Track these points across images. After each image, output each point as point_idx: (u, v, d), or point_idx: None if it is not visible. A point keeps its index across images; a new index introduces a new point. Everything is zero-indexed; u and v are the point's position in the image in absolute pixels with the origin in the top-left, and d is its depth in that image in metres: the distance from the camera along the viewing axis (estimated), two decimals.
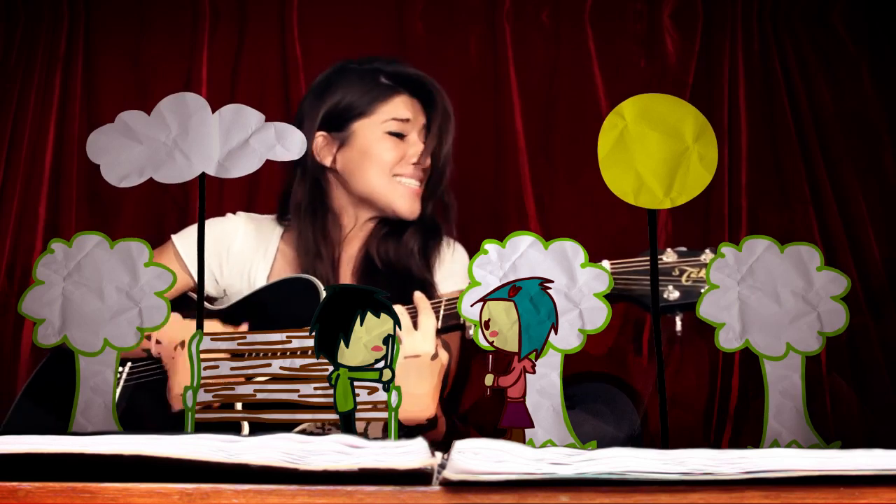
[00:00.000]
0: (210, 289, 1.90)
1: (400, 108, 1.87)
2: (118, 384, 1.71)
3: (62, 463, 0.95)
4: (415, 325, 1.63)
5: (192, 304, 1.85)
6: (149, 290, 1.28)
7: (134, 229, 2.09)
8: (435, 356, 1.61)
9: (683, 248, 1.53)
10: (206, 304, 1.84)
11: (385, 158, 1.85)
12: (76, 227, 2.14)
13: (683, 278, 1.51)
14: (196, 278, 1.86)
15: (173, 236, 1.89)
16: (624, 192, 1.24)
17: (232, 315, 1.77)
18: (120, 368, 1.72)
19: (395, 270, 1.86)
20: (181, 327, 1.59)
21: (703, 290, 1.29)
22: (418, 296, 1.67)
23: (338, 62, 1.92)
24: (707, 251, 1.50)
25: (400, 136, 1.86)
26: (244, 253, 1.90)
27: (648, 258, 1.44)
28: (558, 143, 2.20)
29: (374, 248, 1.88)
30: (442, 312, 1.67)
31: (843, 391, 1.99)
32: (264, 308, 1.75)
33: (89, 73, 2.20)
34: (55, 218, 2.16)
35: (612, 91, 2.16)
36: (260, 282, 1.87)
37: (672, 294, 1.51)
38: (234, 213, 1.96)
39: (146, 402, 1.69)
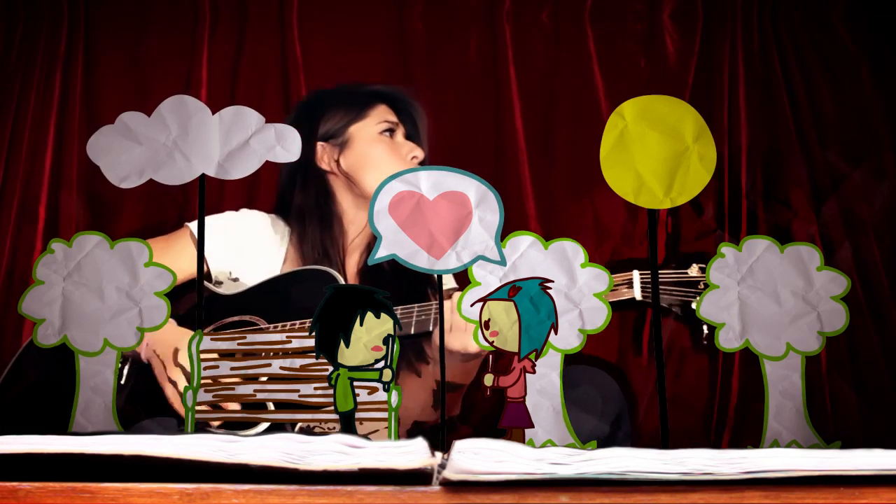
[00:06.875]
0: (222, 278, 1.90)
1: (384, 113, 1.97)
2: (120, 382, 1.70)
3: (62, 463, 0.95)
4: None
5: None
6: (149, 290, 1.28)
7: (134, 229, 2.09)
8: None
9: (703, 265, 1.53)
10: (213, 288, 1.84)
11: (385, 155, 1.92)
12: (76, 227, 2.14)
13: None
14: (207, 267, 1.87)
15: (188, 223, 1.90)
16: (624, 192, 1.25)
17: (242, 303, 1.77)
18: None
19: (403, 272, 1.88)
20: (172, 333, 1.60)
21: None
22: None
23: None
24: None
25: (391, 131, 1.95)
26: (258, 248, 1.91)
27: (674, 271, 1.51)
28: (558, 143, 2.20)
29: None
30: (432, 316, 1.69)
31: (842, 391, 1.99)
32: (278, 298, 1.75)
33: (89, 73, 2.20)
34: (55, 218, 2.16)
35: (612, 91, 2.16)
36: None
37: None
38: (248, 209, 1.97)
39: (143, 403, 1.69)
